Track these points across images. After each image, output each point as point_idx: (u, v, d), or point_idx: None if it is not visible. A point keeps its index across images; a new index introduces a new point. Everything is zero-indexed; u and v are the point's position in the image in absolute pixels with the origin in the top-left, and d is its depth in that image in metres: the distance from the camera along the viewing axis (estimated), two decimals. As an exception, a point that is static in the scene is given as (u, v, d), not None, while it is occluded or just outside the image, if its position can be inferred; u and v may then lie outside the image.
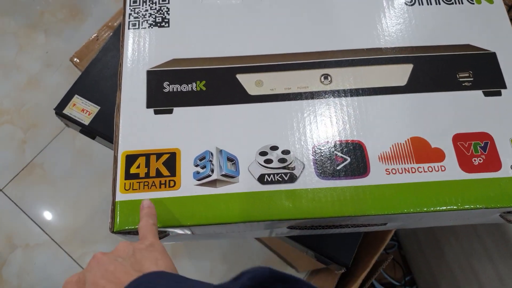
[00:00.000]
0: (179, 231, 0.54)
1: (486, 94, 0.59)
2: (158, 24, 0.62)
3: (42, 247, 1.28)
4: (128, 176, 0.54)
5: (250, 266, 0.37)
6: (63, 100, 0.70)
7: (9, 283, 1.25)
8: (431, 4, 0.64)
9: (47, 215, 1.31)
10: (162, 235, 0.55)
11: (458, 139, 0.56)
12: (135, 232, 0.53)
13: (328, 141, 0.56)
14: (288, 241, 0.68)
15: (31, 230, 1.29)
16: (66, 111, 0.69)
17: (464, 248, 0.93)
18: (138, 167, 0.54)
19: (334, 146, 0.55)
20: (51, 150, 1.37)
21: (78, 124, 0.69)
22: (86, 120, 0.69)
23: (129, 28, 0.62)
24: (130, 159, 0.55)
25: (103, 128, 0.69)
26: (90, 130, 0.69)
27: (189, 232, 0.55)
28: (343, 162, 0.55)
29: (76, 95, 0.70)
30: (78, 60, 0.84)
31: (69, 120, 0.69)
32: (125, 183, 0.54)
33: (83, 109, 0.69)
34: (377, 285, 1.18)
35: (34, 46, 1.49)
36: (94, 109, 0.69)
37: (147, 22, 0.62)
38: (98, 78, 0.71)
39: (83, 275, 0.39)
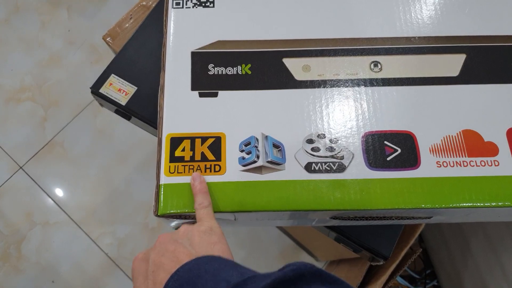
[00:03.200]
0: (223, 216, 0.53)
1: (542, 87, 0.57)
2: (203, 4, 0.60)
3: (61, 226, 1.28)
4: (173, 159, 0.53)
5: (268, 252, 0.39)
6: (100, 79, 0.69)
7: (27, 258, 1.25)
8: (485, -7, 0.62)
9: (66, 194, 1.31)
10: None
11: (512, 133, 0.54)
12: (178, 216, 0.52)
13: (378, 131, 0.54)
14: (324, 230, 0.66)
15: (50, 209, 1.29)
16: (102, 90, 0.68)
17: (493, 244, 0.92)
18: (183, 150, 0.53)
19: (385, 136, 0.54)
20: (71, 129, 1.36)
21: (114, 104, 0.68)
22: (123, 100, 0.67)
23: (173, 7, 0.60)
24: (175, 141, 0.54)
25: (139, 109, 0.67)
26: (127, 111, 0.67)
27: (232, 218, 0.54)
28: (393, 153, 0.53)
29: (112, 74, 0.69)
30: (111, 40, 0.82)
31: (105, 100, 0.68)
32: (169, 166, 0.53)
33: (120, 89, 0.68)
34: (397, 277, 1.17)
35: (56, 23, 1.47)
36: (131, 89, 0.68)
37: (191, 2, 0.60)
38: (135, 58, 0.70)
39: (148, 253, 0.43)
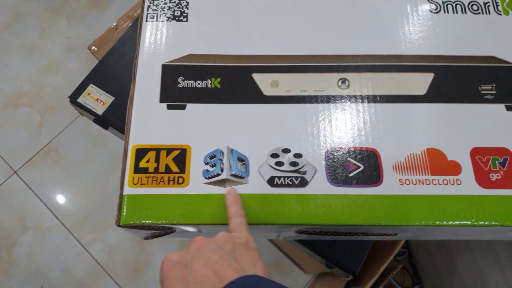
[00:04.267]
0: (186, 228, 0.54)
1: (509, 108, 0.57)
2: (177, 18, 0.61)
3: (52, 231, 1.29)
4: (137, 170, 0.54)
5: None
6: (78, 89, 0.70)
7: (18, 262, 1.27)
8: (456, 12, 0.62)
9: (59, 200, 1.33)
10: (169, 231, 0.55)
11: (476, 153, 0.54)
12: (141, 227, 0.53)
13: (342, 147, 0.54)
14: (296, 244, 0.67)
15: (42, 213, 1.31)
16: (80, 99, 0.69)
17: (478, 262, 0.91)
18: (147, 161, 0.54)
19: (348, 152, 0.54)
20: (67, 135, 1.38)
21: (91, 114, 0.69)
22: (100, 110, 0.69)
23: (147, 20, 0.61)
24: (140, 153, 0.54)
25: (116, 119, 0.68)
26: (103, 120, 0.69)
27: (195, 230, 0.55)
28: (356, 170, 0.53)
29: (91, 84, 0.70)
30: (96, 49, 0.84)
31: (83, 109, 0.69)
32: (133, 177, 0.53)
33: (98, 99, 0.69)
34: (385, 292, 1.16)
35: (56, 31, 1.50)
36: (108, 99, 0.69)
37: (165, 15, 0.62)
38: (114, 69, 0.71)
39: (184, 257, 0.39)
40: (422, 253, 1.17)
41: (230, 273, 0.36)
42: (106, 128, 0.71)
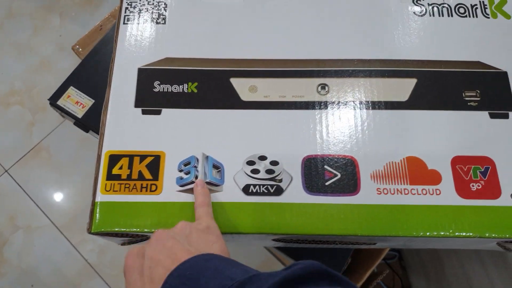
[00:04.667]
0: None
1: (493, 116, 0.55)
2: (155, 20, 0.60)
3: (43, 230, 1.29)
4: (110, 176, 0.53)
5: (249, 264, 0.38)
6: (58, 91, 0.69)
7: (9, 262, 1.26)
8: (443, 15, 0.61)
9: (50, 199, 1.32)
10: (144, 238, 0.54)
11: (457, 162, 0.53)
12: (113, 234, 0.52)
13: (318, 154, 0.53)
14: (274, 249, 0.66)
15: (33, 213, 1.30)
16: (60, 102, 0.68)
17: (465, 269, 0.90)
18: (120, 168, 0.53)
19: (325, 160, 0.53)
20: (58, 135, 1.37)
21: (71, 117, 0.68)
22: (79, 113, 0.68)
23: (124, 23, 0.60)
24: (113, 159, 0.53)
25: (96, 122, 0.67)
26: (83, 123, 0.68)
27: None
28: (332, 178, 0.52)
29: (71, 87, 0.69)
30: (80, 49, 0.83)
31: (63, 112, 0.68)
32: (106, 184, 0.52)
33: (77, 102, 0.68)
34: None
35: (48, 29, 1.49)
36: (88, 102, 0.68)
37: (143, 18, 0.60)
38: (94, 71, 0.70)
39: (143, 248, 0.41)
40: (412, 257, 1.16)
41: (182, 254, 0.38)
42: (87, 131, 0.70)
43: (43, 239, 1.28)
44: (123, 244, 0.58)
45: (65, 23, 1.49)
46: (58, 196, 1.32)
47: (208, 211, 0.48)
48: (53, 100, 0.68)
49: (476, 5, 0.62)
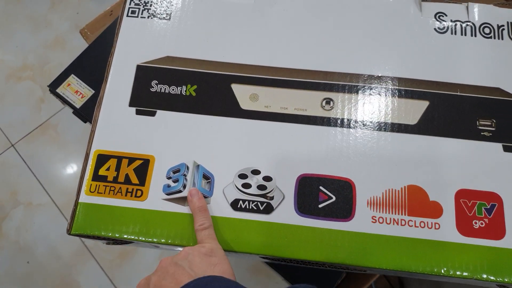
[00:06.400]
0: (144, 246, 0.51)
1: (506, 149, 0.52)
2: (159, 16, 0.57)
3: (43, 208, 1.29)
4: (96, 177, 0.51)
5: (236, 270, 0.39)
6: (59, 78, 0.68)
7: (7, 236, 1.26)
8: (465, 35, 0.57)
9: (53, 178, 1.31)
10: (129, 241, 0.52)
11: (461, 195, 0.50)
12: (94, 237, 0.50)
13: (315, 174, 0.50)
14: (264, 265, 0.63)
15: (35, 190, 1.30)
16: (59, 90, 0.66)
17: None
18: (107, 169, 0.51)
19: (321, 180, 0.50)
20: (66, 113, 1.36)
21: (69, 106, 0.66)
22: (78, 102, 0.66)
23: (127, 16, 0.58)
24: (101, 159, 0.51)
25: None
26: (81, 114, 0.66)
27: (154, 245, 0.52)
28: (326, 201, 0.49)
29: (72, 75, 0.67)
30: (89, 33, 0.80)
31: (62, 100, 0.66)
32: (91, 184, 0.51)
33: (77, 91, 0.66)
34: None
35: (66, 5, 1.47)
36: (88, 92, 0.66)
37: (147, 12, 0.58)
38: (97, 60, 0.68)
39: (149, 278, 0.43)
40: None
41: (183, 278, 0.40)
42: (85, 122, 0.68)
43: (43, 217, 1.28)
44: (107, 243, 0.56)
45: (84, 0, 1.47)
46: (61, 176, 1.32)
47: (210, 234, 0.47)
48: (53, 87, 0.66)
49: (503, 26, 0.58)
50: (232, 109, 0.53)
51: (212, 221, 0.48)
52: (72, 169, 1.32)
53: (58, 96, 0.66)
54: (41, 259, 1.25)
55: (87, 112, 0.65)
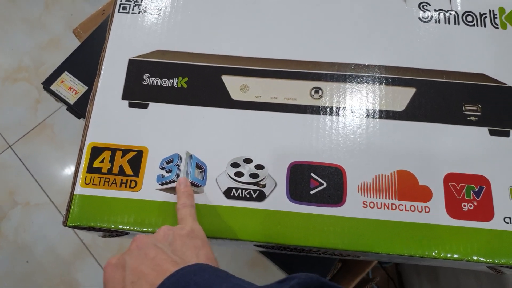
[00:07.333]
0: (138, 232, 0.52)
1: (492, 132, 0.53)
2: (149, 11, 0.58)
3: (41, 208, 1.29)
4: (90, 169, 0.52)
5: (234, 264, 0.36)
6: (52, 75, 0.68)
7: (5, 237, 1.27)
8: (449, 23, 0.58)
9: (50, 177, 1.32)
10: (124, 233, 0.53)
11: (450, 179, 0.51)
12: (90, 228, 0.51)
13: (306, 161, 0.51)
14: (259, 253, 0.64)
15: (33, 190, 1.31)
16: (53, 87, 0.67)
17: (460, 282, 0.88)
18: (102, 161, 0.52)
19: (312, 167, 0.51)
20: (62, 113, 1.36)
21: (63, 102, 0.67)
22: (71, 99, 0.66)
23: (119, 12, 0.59)
24: (96, 151, 0.52)
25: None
26: (75, 110, 0.67)
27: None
28: (318, 187, 0.50)
29: (66, 72, 0.68)
30: (82, 32, 0.81)
31: (56, 97, 0.67)
32: (86, 176, 0.51)
33: (71, 87, 0.67)
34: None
35: (60, 6, 1.48)
36: (81, 88, 0.67)
37: (138, 7, 0.59)
38: (90, 57, 0.69)
39: (123, 258, 0.37)
40: (409, 264, 1.14)
41: (168, 266, 0.35)
42: (79, 118, 0.69)
43: (41, 216, 1.29)
44: (103, 236, 0.57)
45: (78, 1, 1.48)
46: (58, 175, 1.33)
47: (191, 213, 0.45)
48: (47, 84, 0.67)
49: (485, 14, 0.59)
50: (223, 100, 0.54)
51: (195, 204, 0.47)
52: (69, 168, 1.33)
53: (52, 93, 0.67)
54: (40, 258, 1.25)
55: (80, 108, 0.66)
